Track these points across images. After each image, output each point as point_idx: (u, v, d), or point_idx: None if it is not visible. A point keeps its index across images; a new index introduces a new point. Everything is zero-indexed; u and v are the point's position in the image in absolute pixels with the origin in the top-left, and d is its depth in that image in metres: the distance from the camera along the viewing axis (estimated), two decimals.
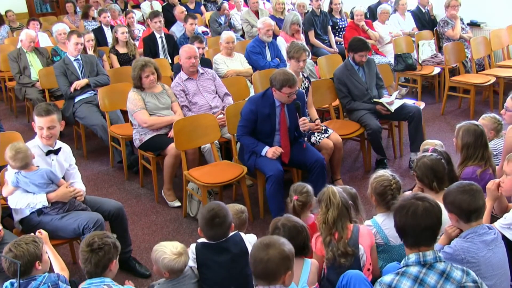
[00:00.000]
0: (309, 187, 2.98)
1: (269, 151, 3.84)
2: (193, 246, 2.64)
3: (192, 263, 2.62)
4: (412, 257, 2.07)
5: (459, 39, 6.69)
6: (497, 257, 2.29)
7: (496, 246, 2.30)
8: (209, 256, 2.57)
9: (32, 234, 2.62)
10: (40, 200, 3.06)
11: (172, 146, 4.08)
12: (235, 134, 4.15)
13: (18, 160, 2.97)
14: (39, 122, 3.16)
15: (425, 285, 2.00)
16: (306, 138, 4.19)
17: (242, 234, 2.73)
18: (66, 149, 3.38)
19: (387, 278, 2.07)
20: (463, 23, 6.99)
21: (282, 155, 3.90)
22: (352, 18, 7.28)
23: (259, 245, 2.15)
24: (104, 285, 2.27)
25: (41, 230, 2.74)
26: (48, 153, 3.24)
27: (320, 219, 2.58)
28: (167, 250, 2.47)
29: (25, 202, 3.06)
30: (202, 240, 2.64)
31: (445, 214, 2.41)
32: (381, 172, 2.88)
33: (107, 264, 2.32)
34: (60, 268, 2.61)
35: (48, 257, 2.62)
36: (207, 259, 2.57)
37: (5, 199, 3.19)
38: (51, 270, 2.58)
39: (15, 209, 3.16)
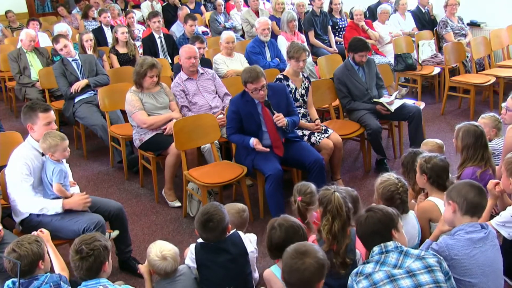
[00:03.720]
0: (313, 187, 2.93)
1: (254, 142, 3.81)
2: (192, 247, 2.65)
3: (191, 263, 2.62)
4: (376, 249, 2.22)
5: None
6: (486, 255, 2.29)
7: (485, 244, 2.30)
8: (208, 256, 2.57)
9: (34, 233, 2.62)
10: (54, 207, 3.05)
11: (174, 145, 4.07)
12: None
13: (54, 136, 3.00)
14: (46, 117, 3.17)
15: (387, 264, 2.16)
16: (301, 135, 4.20)
17: (241, 233, 2.73)
18: None
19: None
20: (463, 23, 6.99)
21: (275, 148, 3.90)
22: (352, 18, 7.28)
23: (294, 253, 2.11)
24: (100, 285, 2.26)
25: (43, 229, 2.73)
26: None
27: (325, 229, 2.47)
28: (153, 251, 2.51)
29: (38, 206, 3.04)
30: (201, 240, 2.64)
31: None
32: (386, 177, 2.78)
33: (100, 267, 2.29)
34: (60, 268, 2.61)
35: (49, 256, 2.62)
36: (206, 260, 2.57)
37: (6, 199, 3.18)
38: (51, 269, 2.59)
39: (15, 211, 3.15)
